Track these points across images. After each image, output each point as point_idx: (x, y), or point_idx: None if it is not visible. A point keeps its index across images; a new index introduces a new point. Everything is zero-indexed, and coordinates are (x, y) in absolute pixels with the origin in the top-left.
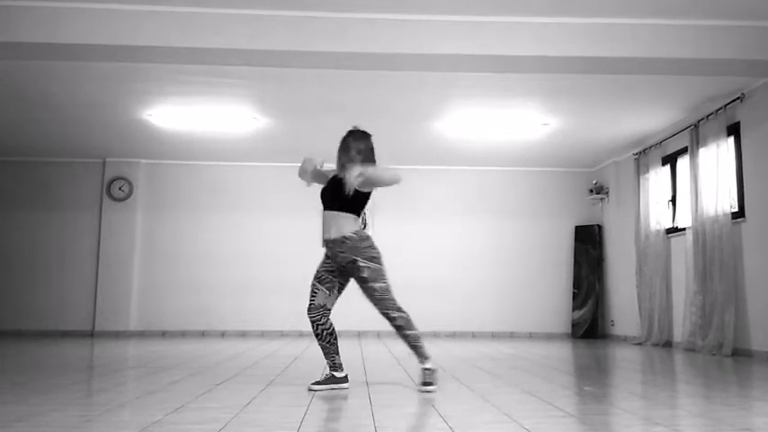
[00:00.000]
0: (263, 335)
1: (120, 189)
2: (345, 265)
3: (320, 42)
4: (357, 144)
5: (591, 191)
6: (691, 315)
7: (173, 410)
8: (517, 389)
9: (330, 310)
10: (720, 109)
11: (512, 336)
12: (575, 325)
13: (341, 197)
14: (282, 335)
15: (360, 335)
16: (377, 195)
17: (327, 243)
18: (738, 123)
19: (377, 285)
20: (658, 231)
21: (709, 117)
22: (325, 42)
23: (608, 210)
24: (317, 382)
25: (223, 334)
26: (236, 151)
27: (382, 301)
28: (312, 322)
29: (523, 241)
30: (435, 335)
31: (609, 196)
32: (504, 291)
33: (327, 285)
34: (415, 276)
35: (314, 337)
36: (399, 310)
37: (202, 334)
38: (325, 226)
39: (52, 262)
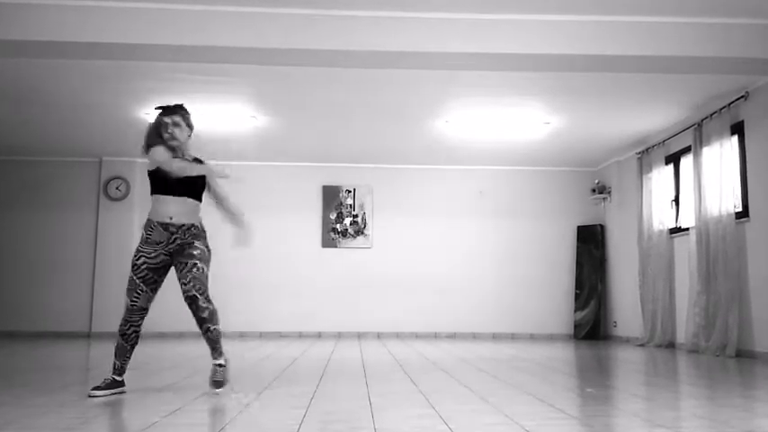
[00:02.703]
0: (261, 336)
1: (116, 188)
2: (175, 247)
3: (320, 40)
4: (185, 119)
5: (593, 190)
6: (694, 316)
7: (170, 413)
8: (518, 390)
9: (147, 311)
10: (724, 107)
11: (513, 337)
12: (577, 326)
13: (191, 183)
14: (281, 336)
15: (360, 336)
16: (377, 194)
17: (168, 227)
18: (742, 122)
19: (204, 268)
20: (661, 231)
21: (713, 116)
22: (325, 40)
23: (610, 209)
24: (98, 387)
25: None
26: (234, 150)
27: (202, 285)
28: (128, 323)
29: (525, 241)
30: (436, 335)
31: (611, 196)
32: (506, 291)
33: (152, 287)
34: (415, 277)
35: (121, 339)
36: (211, 301)
37: (200, 335)
38: (168, 210)
39: (48, 262)
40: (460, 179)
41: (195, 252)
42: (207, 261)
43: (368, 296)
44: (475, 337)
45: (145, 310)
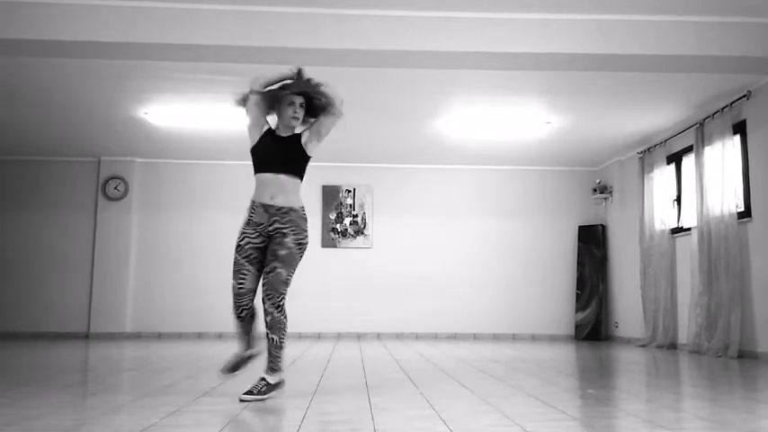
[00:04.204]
0: (261, 336)
1: (115, 188)
2: (272, 230)
3: (319, 39)
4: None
5: (594, 190)
6: (696, 316)
7: (169, 414)
8: (519, 391)
9: (256, 292)
10: (726, 107)
11: (514, 338)
12: (578, 326)
13: (292, 159)
14: None
15: (359, 337)
16: (377, 194)
17: (269, 209)
18: (744, 122)
19: (283, 272)
20: (663, 231)
21: (715, 115)
22: (325, 39)
23: (612, 209)
24: (229, 369)
25: (220, 336)
26: (233, 150)
27: (274, 291)
28: (240, 307)
29: (525, 241)
30: (436, 336)
31: (613, 196)
32: (506, 292)
33: (258, 266)
34: (415, 277)
35: (238, 322)
36: (282, 309)
37: (199, 336)
38: (269, 190)
39: (46, 262)
40: (460, 179)
41: (281, 252)
42: (291, 263)
43: (368, 296)
44: (475, 337)
45: (253, 291)
